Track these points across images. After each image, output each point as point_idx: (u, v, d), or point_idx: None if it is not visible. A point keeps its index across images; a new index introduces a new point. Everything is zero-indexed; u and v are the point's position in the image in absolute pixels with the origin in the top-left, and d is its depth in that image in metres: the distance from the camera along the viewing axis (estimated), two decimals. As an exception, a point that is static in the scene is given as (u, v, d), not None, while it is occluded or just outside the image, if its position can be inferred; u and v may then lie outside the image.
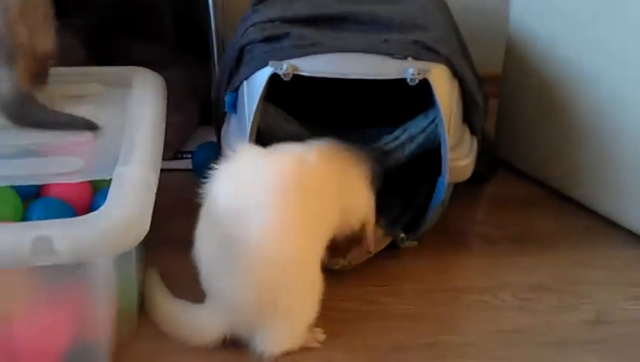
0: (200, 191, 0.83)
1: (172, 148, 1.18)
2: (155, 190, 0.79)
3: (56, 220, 0.74)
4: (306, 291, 0.82)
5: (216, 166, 0.83)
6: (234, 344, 0.86)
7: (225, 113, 1.01)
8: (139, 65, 1.04)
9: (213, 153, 1.11)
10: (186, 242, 1.01)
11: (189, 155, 1.18)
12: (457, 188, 1.00)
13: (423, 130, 0.99)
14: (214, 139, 1.14)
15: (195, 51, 1.36)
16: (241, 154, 0.84)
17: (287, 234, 0.79)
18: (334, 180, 0.85)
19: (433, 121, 0.97)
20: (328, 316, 0.90)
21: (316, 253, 0.83)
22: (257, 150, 0.84)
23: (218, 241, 0.80)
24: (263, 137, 0.99)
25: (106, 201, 0.74)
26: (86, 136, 0.87)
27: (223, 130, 0.99)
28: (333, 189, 0.85)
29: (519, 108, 1.13)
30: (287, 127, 1.01)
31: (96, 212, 0.73)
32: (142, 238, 0.74)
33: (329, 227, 0.85)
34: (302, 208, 0.80)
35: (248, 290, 0.79)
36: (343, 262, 0.95)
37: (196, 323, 0.83)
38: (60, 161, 0.83)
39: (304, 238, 0.81)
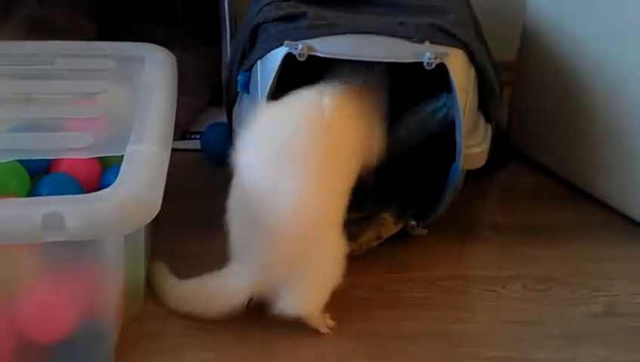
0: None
1: (180, 129, 1.16)
2: (166, 168, 0.78)
3: (69, 196, 0.73)
4: (330, 254, 0.83)
5: (240, 133, 0.84)
6: (240, 324, 0.86)
7: (237, 93, 0.99)
8: (148, 45, 1.03)
9: (223, 134, 1.11)
10: (193, 221, 1.01)
11: (198, 136, 1.17)
12: (468, 176, 0.99)
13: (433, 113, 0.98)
14: (223, 119, 1.13)
15: (205, 32, 1.35)
16: (260, 116, 0.84)
17: (313, 199, 0.80)
18: (353, 125, 0.86)
19: (444, 106, 0.95)
20: (338, 303, 0.89)
21: (340, 213, 0.84)
22: (274, 107, 0.84)
23: (248, 206, 0.81)
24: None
25: (118, 178, 0.73)
26: (99, 111, 0.86)
27: (234, 110, 0.98)
28: (353, 135, 0.86)
29: (534, 96, 1.12)
30: None
31: (108, 189, 0.71)
32: (154, 216, 0.72)
33: (351, 177, 0.86)
34: (325, 169, 0.81)
35: (275, 253, 0.80)
36: (353, 246, 0.93)
37: (221, 289, 0.83)
38: (70, 136, 0.82)
39: (329, 202, 0.82)
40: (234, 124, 0.96)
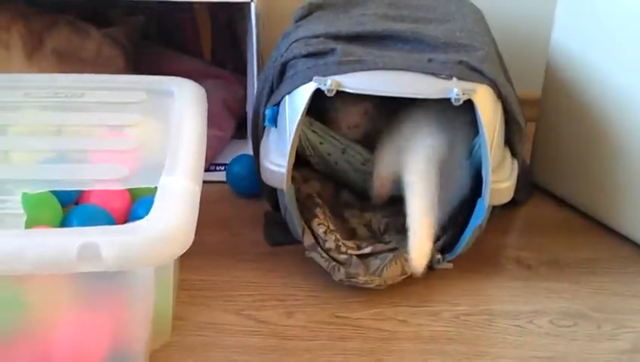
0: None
1: (206, 161, 1.17)
2: (198, 201, 0.79)
3: (104, 227, 0.74)
4: None
5: None
6: (268, 355, 0.86)
7: (264, 127, 1.00)
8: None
9: (249, 166, 1.12)
10: (218, 252, 1.02)
11: (223, 168, 1.18)
12: (493, 211, 1.00)
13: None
14: (248, 151, 1.14)
15: (230, 64, 1.36)
16: None
17: None
18: None
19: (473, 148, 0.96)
20: (362, 334, 0.90)
21: None
22: None
23: None
24: (303, 151, 0.99)
25: (152, 211, 0.74)
26: (130, 143, 0.87)
27: (262, 143, 0.99)
28: None
29: (558, 132, 1.13)
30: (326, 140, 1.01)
31: (142, 220, 0.72)
32: (186, 249, 0.73)
33: None
34: None
35: None
36: (377, 281, 0.94)
37: None
38: (104, 167, 0.83)
39: None
40: (261, 157, 0.97)
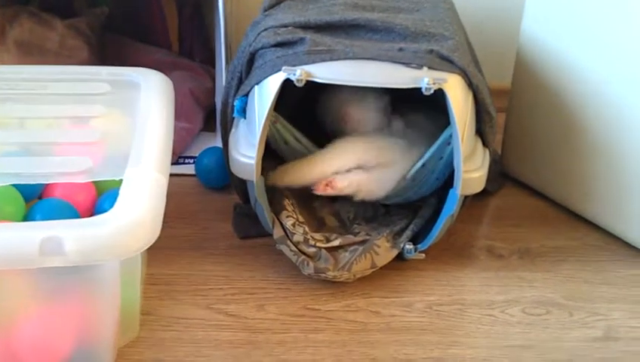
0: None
1: (175, 153, 1.16)
2: (165, 193, 0.77)
3: (67, 221, 0.72)
4: None
5: None
6: (237, 350, 0.85)
7: (233, 118, 0.99)
8: (141, 68, 1.02)
9: (217, 159, 1.10)
10: (186, 245, 1.00)
11: (192, 160, 1.16)
12: (464, 201, 0.99)
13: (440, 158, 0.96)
14: (217, 144, 1.13)
15: (198, 56, 1.35)
16: None
17: None
18: None
19: (444, 143, 0.95)
20: (334, 326, 0.89)
21: None
22: None
23: None
24: (271, 142, 0.98)
25: (117, 203, 0.72)
26: (95, 135, 0.85)
27: (231, 135, 0.98)
28: None
29: (528, 122, 1.13)
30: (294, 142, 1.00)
31: (107, 213, 0.70)
32: (153, 241, 0.72)
33: None
34: None
35: None
36: (346, 275, 0.93)
37: None
38: (67, 160, 0.81)
39: None
40: (230, 148, 0.96)
